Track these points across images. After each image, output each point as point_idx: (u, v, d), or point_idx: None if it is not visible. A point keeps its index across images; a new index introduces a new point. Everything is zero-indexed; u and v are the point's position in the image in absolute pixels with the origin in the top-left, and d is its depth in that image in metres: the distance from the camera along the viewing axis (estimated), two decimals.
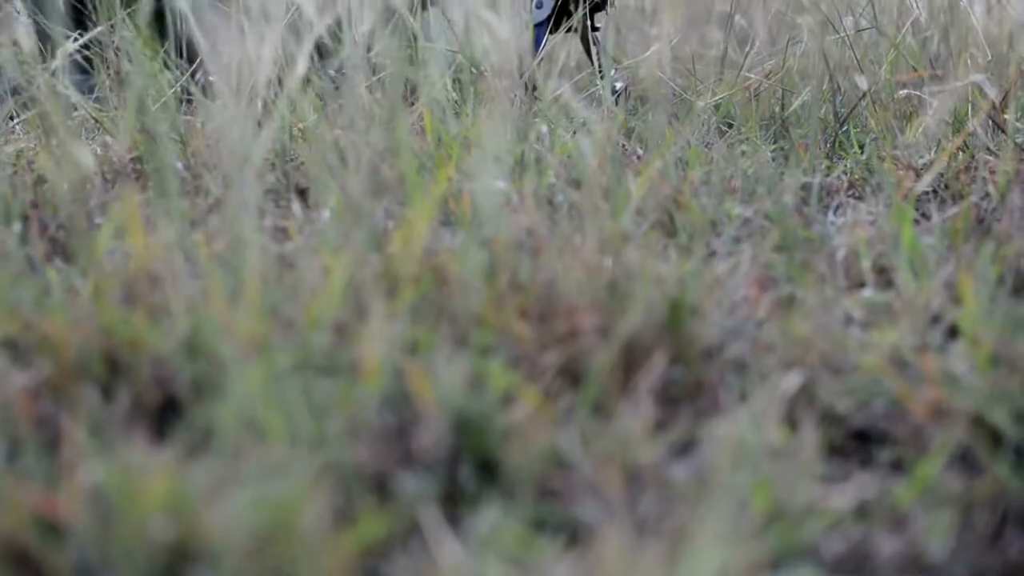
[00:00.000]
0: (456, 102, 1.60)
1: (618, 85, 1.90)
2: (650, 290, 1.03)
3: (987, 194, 1.43)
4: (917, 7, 1.77)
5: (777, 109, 1.83)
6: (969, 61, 1.75)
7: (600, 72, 1.88)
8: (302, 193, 1.44)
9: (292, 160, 1.49)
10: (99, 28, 1.52)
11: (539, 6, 1.92)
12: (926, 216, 1.42)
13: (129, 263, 1.08)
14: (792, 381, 0.98)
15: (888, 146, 1.60)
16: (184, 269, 1.04)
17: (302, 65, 1.23)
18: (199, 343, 0.96)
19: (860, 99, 1.69)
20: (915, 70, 1.73)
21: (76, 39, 1.60)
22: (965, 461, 0.93)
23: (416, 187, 1.23)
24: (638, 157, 1.60)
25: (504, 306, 1.04)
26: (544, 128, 1.40)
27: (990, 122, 1.55)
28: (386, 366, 0.93)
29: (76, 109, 1.62)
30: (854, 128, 1.74)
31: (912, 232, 1.23)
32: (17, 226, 1.28)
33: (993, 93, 1.42)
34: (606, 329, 1.01)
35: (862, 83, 1.43)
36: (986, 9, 1.63)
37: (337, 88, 1.47)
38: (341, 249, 1.08)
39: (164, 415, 0.96)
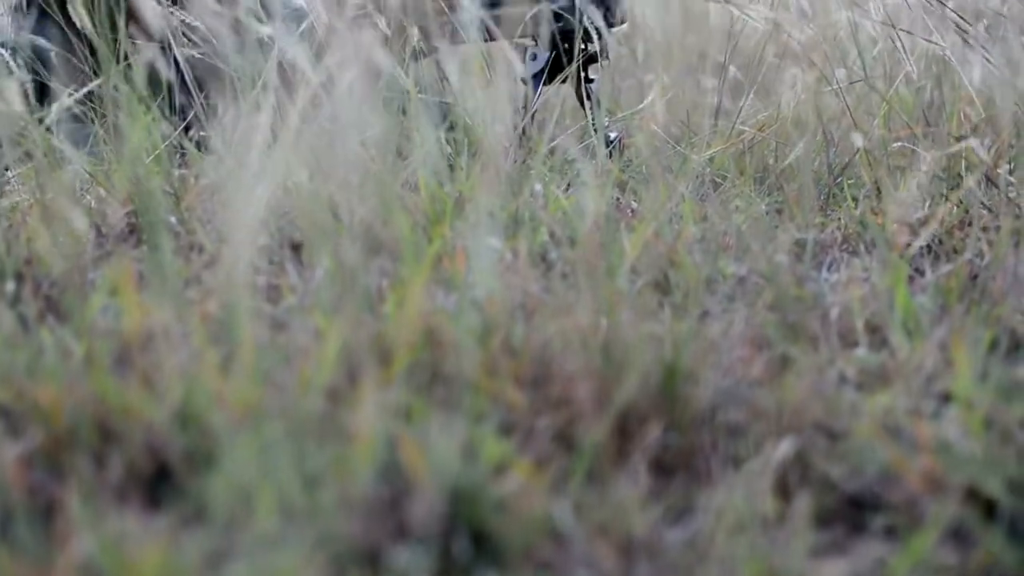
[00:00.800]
0: (450, 156, 1.60)
1: (612, 135, 1.90)
2: (644, 356, 1.03)
3: (981, 251, 1.43)
4: (908, 61, 1.78)
5: (771, 161, 1.83)
6: (962, 115, 1.76)
7: (594, 124, 1.88)
8: (296, 248, 1.44)
9: (286, 214, 1.49)
10: (96, 82, 1.52)
11: (533, 58, 1.92)
12: (920, 271, 1.42)
13: (122, 326, 1.08)
14: (785, 449, 0.98)
15: (882, 200, 1.60)
16: (177, 333, 1.04)
17: (295, 121, 1.23)
18: (192, 411, 0.96)
19: (854, 154, 1.69)
20: (908, 127, 1.74)
21: (72, 92, 1.61)
22: (959, 532, 0.93)
23: (410, 247, 1.23)
24: (632, 211, 1.60)
25: (498, 371, 1.04)
26: (538, 186, 1.40)
27: (983, 177, 1.56)
28: (379, 436, 0.92)
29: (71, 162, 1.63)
30: (847, 181, 1.74)
31: (906, 292, 1.23)
32: (11, 285, 1.27)
33: (985, 154, 1.43)
34: (600, 396, 1.01)
35: (857, 140, 1.44)
36: (981, 72, 1.63)
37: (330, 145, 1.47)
38: (335, 311, 1.08)
39: (157, 484, 0.95)
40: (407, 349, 1.06)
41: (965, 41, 1.68)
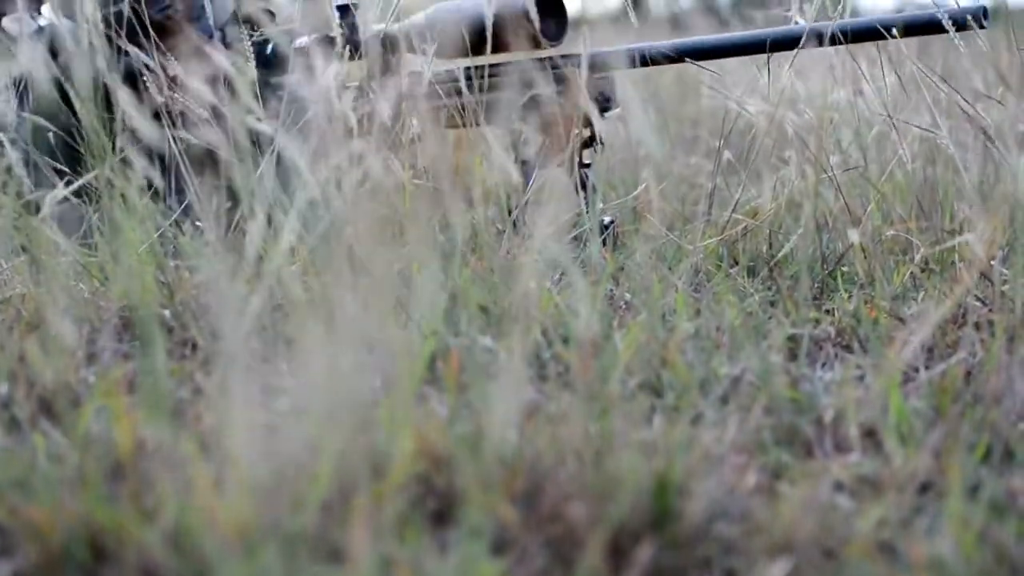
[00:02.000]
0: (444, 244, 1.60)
1: (606, 220, 1.91)
2: (637, 471, 1.03)
3: (975, 348, 1.43)
4: (902, 146, 1.78)
5: (765, 248, 1.84)
6: (955, 204, 1.77)
7: (588, 210, 1.89)
8: (289, 342, 1.44)
9: (279, 307, 1.49)
10: (92, 173, 1.53)
11: (526, 143, 1.93)
12: (915, 368, 1.42)
13: (114, 436, 1.08)
14: (779, 570, 0.98)
15: (876, 294, 1.60)
16: (169, 446, 1.04)
17: (290, 233, 1.24)
18: (185, 532, 0.95)
19: (848, 248, 1.70)
20: (903, 220, 1.74)
21: (68, 181, 1.61)
22: None
23: (403, 346, 1.23)
24: (626, 304, 1.60)
25: (491, 485, 1.04)
26: (532, 284, 1.40)
27: (978, 273, 1.56)
28: (373, 558, 0.92)
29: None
30: (841, 269, 1.75)
31: (899, 397, 1.23)
32: (3, 387, 1.27)
33: (981, 250, 1.43)
34: (594, 515, 1.01)
35: (853, 236, 1.44)
36: (981, 168, 1.63)
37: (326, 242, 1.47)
38: (329, 419, 1.08)
39: None
40: (401, 463, 1.05)
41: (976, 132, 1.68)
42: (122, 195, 1.53)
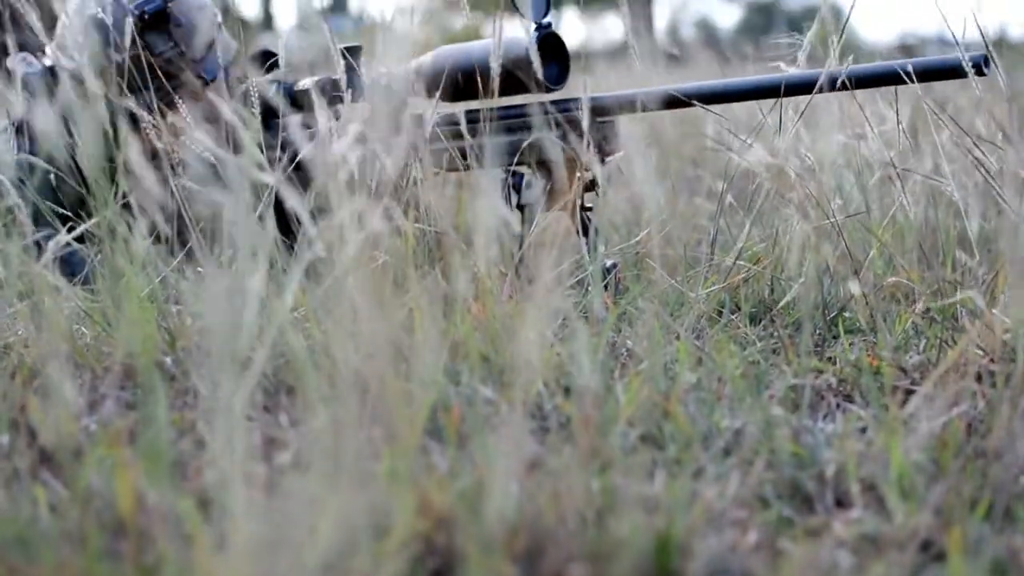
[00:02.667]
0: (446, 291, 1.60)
1: (608, 264, 1.91)
2: (639, 531, 1.03)
3: (975, 399, 1.43)
4: (904, 194, 1.79)
5: (767, 293, 1.84)
6: (957, 253, 1.77)
7: (590, 253, 1.89)
8: (290, 391, 1.44)
9: (281, 356, 1.49)
10: (94, 219, 1.53)
11: (528, 186, 1.93)
12: (916, 418, 1.42)
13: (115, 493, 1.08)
14: None
15: (878, 341, 1.60)
16: (170, 506, 1.04)
17: (291, 295, 1.24)
18: None
19: (850, 299, 1.70)
20: (904, 269, 1.75)
21: (71, 226, 1.61)
22: None
23: (403, 399, 1.23)
24: (628, 352, 1.60)
25: (492, 545, 1.04)
26: (532, 334, 1.40)
27: (974, 316, 1.56)
28: None
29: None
30: (843, 316, 1.75)
31: (901, 453, 1.23)
32: (4, 438, 1.27)
33: (983, 302, 1.43)
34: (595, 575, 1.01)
35: (855, 288, 1.44)
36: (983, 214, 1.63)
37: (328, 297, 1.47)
38: (329, 475, 1.08)
39: None
40: (403, 523, 1.05)
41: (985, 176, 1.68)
42: (124, 240, 1.53)
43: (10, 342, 1.54)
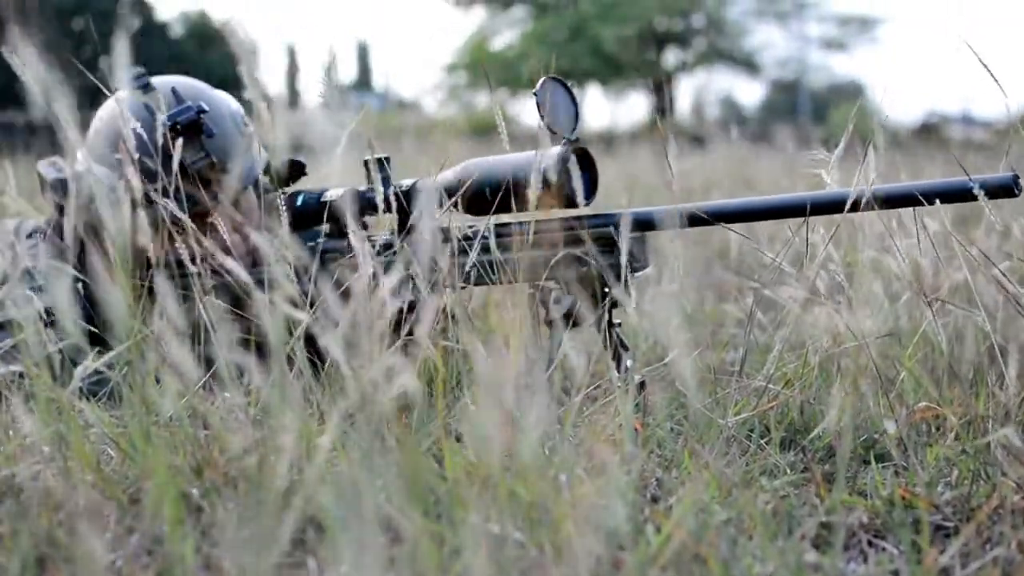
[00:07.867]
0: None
1: (636, 379, 1.90)
2: None
3: (1010, 544, 1.41)
4: (935, 320, 1.77)
5: (797, 415, 1.83)
6: (989, 380, 1.75)
7: (619, 372, 1.88)
8: (319, 527, 1.43)
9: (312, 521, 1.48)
10: (121, 347, 1.52)
11: (557, 301, 1.92)
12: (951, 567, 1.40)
13: None
14: None
15: (909, 472, 1.59)
16: None
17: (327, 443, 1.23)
18: None
19: (882, 433, 1.68)
20: (937, 405, 1.73)
21: (99, 350, 1.61)
22: None
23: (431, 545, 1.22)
24: (658, 482, 1.58)
25: None
26: (563, 476, 1.39)
27: (1009, 454, 1.54)
28: None
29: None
30: (873, 444, 1.74)
31: None
32: None
33: (1019, 441, 1.41)
34: None
35: (890, 427, 1.43)
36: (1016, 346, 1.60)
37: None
38: None
39: None
40: None
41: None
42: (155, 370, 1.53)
43: (37, 472, 1.53)
